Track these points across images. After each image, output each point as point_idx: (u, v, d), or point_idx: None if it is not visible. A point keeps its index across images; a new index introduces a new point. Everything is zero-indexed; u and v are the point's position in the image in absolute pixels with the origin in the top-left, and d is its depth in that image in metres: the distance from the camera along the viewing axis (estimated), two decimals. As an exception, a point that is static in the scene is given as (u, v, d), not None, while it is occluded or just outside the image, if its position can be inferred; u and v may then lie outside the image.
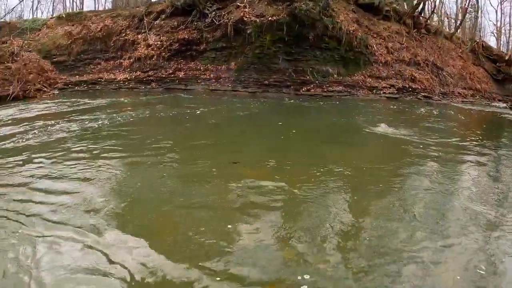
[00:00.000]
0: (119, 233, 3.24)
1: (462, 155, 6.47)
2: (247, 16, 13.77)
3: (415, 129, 8.22)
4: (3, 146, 6.24)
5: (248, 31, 13.53)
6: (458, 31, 22.70)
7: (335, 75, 13.66)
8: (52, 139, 6.58)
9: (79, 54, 15.75)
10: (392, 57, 14.89)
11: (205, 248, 3.04)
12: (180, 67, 14.51)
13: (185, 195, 4.06)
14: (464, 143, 7.38)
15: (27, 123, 8.01)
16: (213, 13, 14.46)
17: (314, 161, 5.50)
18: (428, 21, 18.98)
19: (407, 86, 14.51)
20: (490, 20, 52.99)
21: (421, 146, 6.63)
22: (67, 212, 3.62)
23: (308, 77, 13.39)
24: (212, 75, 13.96)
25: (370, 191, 4.41)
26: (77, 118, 8.49)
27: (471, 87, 17.62)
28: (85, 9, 29.71)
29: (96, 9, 27.25)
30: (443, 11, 29.50)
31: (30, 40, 15.61)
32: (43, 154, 5.54)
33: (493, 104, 17.16)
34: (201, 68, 14.28)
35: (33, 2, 34.93)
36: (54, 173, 4.75)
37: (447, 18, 30.44)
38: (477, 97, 17.41)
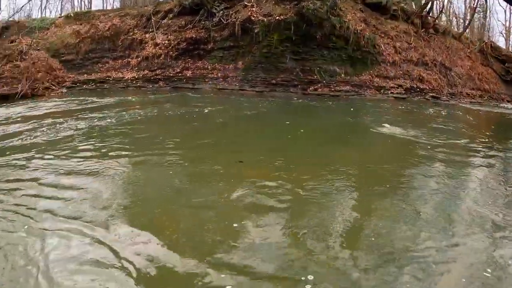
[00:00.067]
0: (126, 228, 3.28)
1: (469, 157, 6.41)
2: (255, 15, 13.76)
3: (423, 130, 8.14)
4: (12, 143, 6.33)
5: (256, 31, 13.51)
6: (467, 31, 22.49)
7: (342, 75, 13.59)
8: (60, 137, 6.65)
9: (87, 53, 15.81)
10: (400, 57, 14.76)
11: (210, 244, 3.06)
12: (188, 66, 14.52)
13: (192, 193, 4.09)
14: (472, 145, 7.30)
15: (35, 121, 8.10)
16: (221, 12, 14.47)
17: (321, 161, 5.49)
18: (436, 20, 18.80)
19: (415, 86, 14.38)
20: (499, 20, 52.53)
21: (429, 147, 6.59)
22: (75, 207, 3.68)
23: (315, 76, 13.34)
24: (219, 74, 13.97)
25: (376, 191, 4.40)
26: (85, 116, 8.56)
27: (480, 88, 17.42)
28: (93, 8, 29.94)
29: (104, 8, 27.34)
30: (451, 10, 29.37)
31: (39, 39, 15.69)
32: (52, 151, 5.62)
33: (501, 105, 16.93)
34: (209, 67, 14.28)
35: (41, 1, 35.33)
36: (62, 169, 4.81)
37: (456, 18, 30.26)
38: (486, 98, 17.20)
